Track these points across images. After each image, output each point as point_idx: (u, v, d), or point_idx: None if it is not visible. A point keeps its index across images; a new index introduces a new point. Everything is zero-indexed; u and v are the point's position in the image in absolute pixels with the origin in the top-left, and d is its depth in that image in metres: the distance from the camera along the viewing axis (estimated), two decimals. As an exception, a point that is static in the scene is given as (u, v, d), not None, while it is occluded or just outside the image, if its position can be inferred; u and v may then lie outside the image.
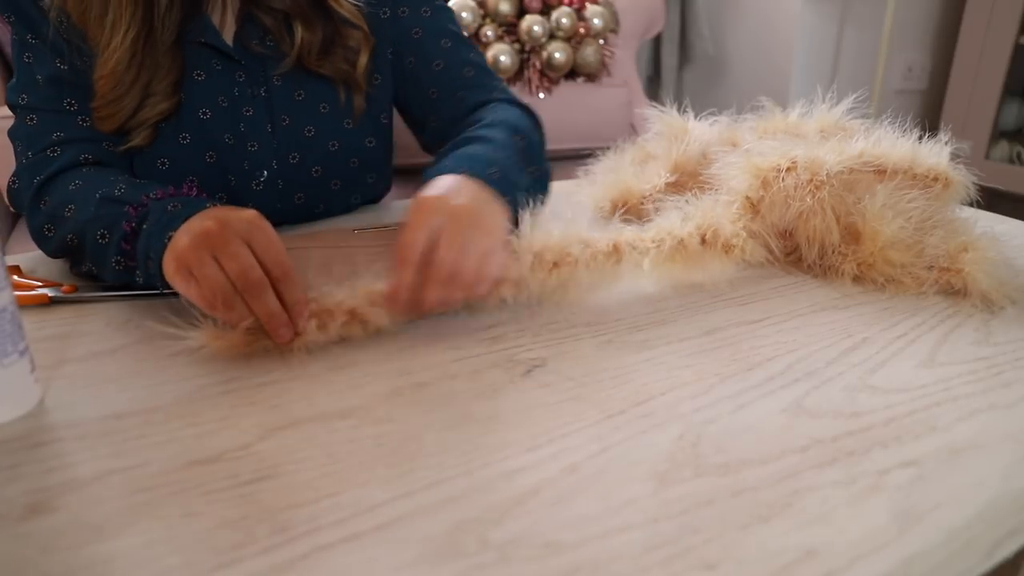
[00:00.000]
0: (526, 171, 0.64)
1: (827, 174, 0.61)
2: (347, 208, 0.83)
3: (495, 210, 0.54)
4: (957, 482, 0.35)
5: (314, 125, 0.74)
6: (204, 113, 0.68)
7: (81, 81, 0.64)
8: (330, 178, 0.77)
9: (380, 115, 0.79)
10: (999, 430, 0.40)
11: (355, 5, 0.72)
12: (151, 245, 0.52)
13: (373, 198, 0.87)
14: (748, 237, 0.62)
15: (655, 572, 0.30)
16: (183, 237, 0.48)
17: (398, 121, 0.83)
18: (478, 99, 0.75)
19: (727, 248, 0.60)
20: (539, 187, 0.68)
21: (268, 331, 0.47)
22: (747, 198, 0.65)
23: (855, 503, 0.34)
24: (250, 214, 0.48)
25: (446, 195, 0.51)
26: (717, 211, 0.62)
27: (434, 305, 0.49)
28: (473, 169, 0.56)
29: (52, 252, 0.63)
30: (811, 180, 0.62)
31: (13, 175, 0.65)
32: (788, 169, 0.63)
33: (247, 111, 0.70)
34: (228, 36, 0.70)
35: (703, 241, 0.60)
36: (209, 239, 0.46)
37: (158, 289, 0.53)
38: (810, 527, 0.32)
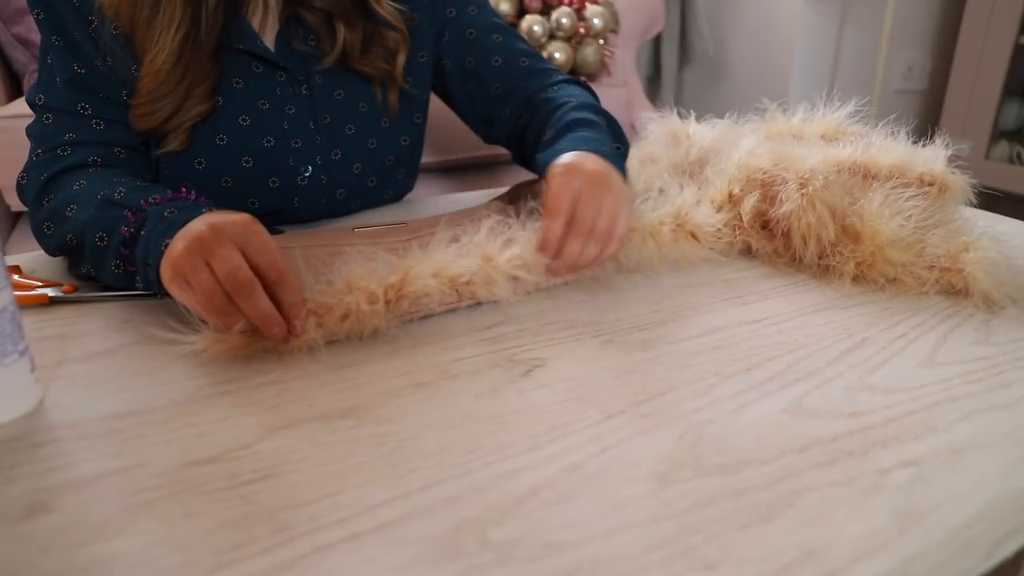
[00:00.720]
0: (613, 146, 0.69)
1: (811, 171, 0.63)
2: (379, 203, 0.86)
3: (619, 177, 0.60)
4: (957, 482, 0.35)
5: (354, 123, 0.76)
6: (243, 120, 0.70)
7: (100, 85, 0.65)
8: (368, 175, 0.80)
9: (414, 115, 0.82)
10: (999, 430, 0.40)
11: (394, 7, 0.75)
12: (149, 251, 0.52)
13: (400, 194, 0.89)
14: (723, 227, 0.66)
15: (655, 572, 0.30)
16: (178, 244, 0.48)
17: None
18: (540, 83, 0.79)
19: (696, 235, 0.64)
20: (624, 160, 0.73)
21: (261, 330, 0.47)
22: (728, 191, 0.68)
23: (855, 503, 0.34)
24: (244, 218, 0.48)
25: (581, 163, 0.57)
26: (687, 199, 0.66)
27: (576, 257, 0.55)
28: (589, 147, 0.62)
29: (52, 250, 0.63)
30: (798, 178, 0.63)
31: (23, 171, 0.65)
32: (771, 169, 0.66)
33: (289, 109, 0.72)
34: (269, 37, 0.71)
35: (677, 227, 0.63)
36: (202, 245, 0.47)
37: (159, 294, 0.53)
38: (810, 527, 0.32)
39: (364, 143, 0.78)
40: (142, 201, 0.55)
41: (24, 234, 1.34)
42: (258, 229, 0.48)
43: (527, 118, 0.78)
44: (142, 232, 0.53)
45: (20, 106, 1.23)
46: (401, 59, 0.76)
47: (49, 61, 0.65)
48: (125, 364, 0.47)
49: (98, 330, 0.52)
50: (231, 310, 0.46)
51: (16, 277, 0.59)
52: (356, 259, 0.52)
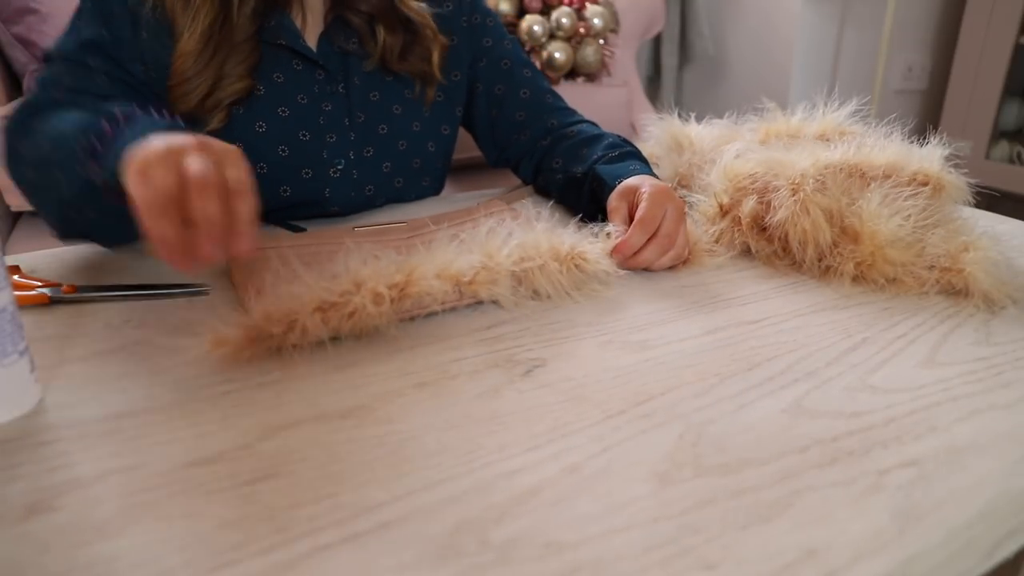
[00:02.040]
0: None
1: (802, 176, 0.63)
2: (400, 202, 0.89)
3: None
4: (957, 482, 0.35)
5: (387, 124, 0.81)
6: (283, 111, 0.74)
7: (121, 56, 0.68)
8: (396, 175, 0.84)
9: (442, 126, 0.87)
10: (999, 430, 0.40)
11: (421, 7, 0.80)
12: (128, 141, 0.49)
13: (422, 198, 0.92)
14: (718, 239, 0.68)
15: (655, 572, 0.30)
16: (159, 140, 0.45)
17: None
18: (563, 120, 0.87)
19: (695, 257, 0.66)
20: None
21: (199, 241, 0.44)
22: (718, 203, 0.69)
23: (855, 503, 0.34)
24: (230, 146, 0.47)
25: (669, 189, 0.65)
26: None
27: (648, 263, 0.63)
28: (652, 174, 0.72)
29: (9, 158, 0.63)
30: (789, 184, 0.63)
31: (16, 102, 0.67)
32: (761, 175, 0.66)
33: (326, 106, 0.76)
34: (311, 36, 0.76)
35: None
36: (180, 148, 0.44)
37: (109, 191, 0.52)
38: (810, 527, 0.32)
39: (395, 143, 0.82)
40: (116, 111, 0.55)
41: (24, 234, 1.34)
42: (239, 159, 0.46)
43: (550, 142, 0.85)
44: (125, 129, 0.53)
45: (20, 106, 1.23)
46: (436, 57, 0.81)
47: (79, 22, 0.68)
48: (125, 364, 0.47)
49: (98, 330, 0.52)
50: (170, 215, 0.43)
51: (16, 277, 0.59)
52: (359, 256, 0.52)
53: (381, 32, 0.77)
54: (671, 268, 0.64)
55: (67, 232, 0.64)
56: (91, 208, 0.58)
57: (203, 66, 0.68)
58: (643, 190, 0.64)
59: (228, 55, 0.70)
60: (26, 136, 0.62)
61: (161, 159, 0.44)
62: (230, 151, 0.47)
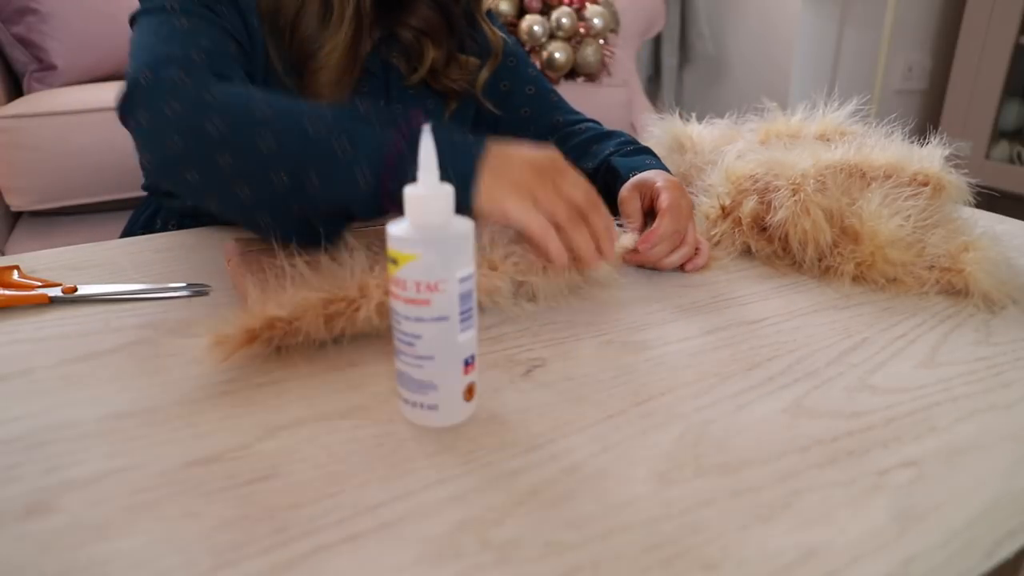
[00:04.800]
0: None
1: (802, 176, 0.63)
2: None
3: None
4: (957, 482, 0.35)
5: None
6: None
7: (230, 26, 0.64)
8: None
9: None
10: (999, 430, 0.40)
11: (492, 27, 0.83)
12: (457, 161, 0.48)
13: None
14: (719, 240, 0.68)
15: (655, 572, 0.30)
16: (523, 166, 0.50)
17: None
18: (568, 118, 0.86)
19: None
20: None
21: (581, 260, 0.52)
22: (720, 205, 0.69)
23: (855, 503, 0.34)
24: (553, 154, 0.51)
25: (682, 187, 0.65)
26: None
27: (658, 258, 0.63)
28: (667, 170, 0.71)
29: (182, 150, 0.51)
30: (789, 184, 0.63)
31: (133, 73, 0.54)
32: (762, 176, 0.66)
33: None
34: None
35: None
36: (546, 171, 0.50)
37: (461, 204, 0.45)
38: (810, 527, 0.32)
39: None
40: (400, 121, 0.51)
41: (24, 234, 1.34)
42: (566, 164, 0.52)
43: (557, 139, 0.85)
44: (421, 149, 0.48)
45: (20, 106, 1.23)
46: (484, 75, 0.82)
47: None
48: (125, 364, 0.47)
49: (98, 330, 0.52)
50: (559, 234, 0.50)
51: (16, 277, 0.59)
52: (363, 258, 0.52)
53: (429, 48, 0.77)
54: (663, 263, 0.64)
55: (251, 224, 0.57)
56: (305, 216, 0.53)
57: (328, 93, 0.69)
58: (659, 184, 0.64)
59: (354, 85, 0.71)
60: (218, 113, 0.51)
61: (542, 187, 0.49)
62: (561, 163, 0.51)
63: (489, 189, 0.49)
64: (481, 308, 0.56)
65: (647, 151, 0.78)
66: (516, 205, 0.49)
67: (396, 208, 0.48)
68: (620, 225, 0.64)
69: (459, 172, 0.48)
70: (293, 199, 0.51)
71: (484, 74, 0.82)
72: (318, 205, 0.52)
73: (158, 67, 0.54)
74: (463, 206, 0.46)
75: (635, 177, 0.68)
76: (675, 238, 0.62)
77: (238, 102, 0.51)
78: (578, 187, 0.51)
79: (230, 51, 0.62)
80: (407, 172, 0.48)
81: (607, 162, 0.75)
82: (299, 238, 0.54)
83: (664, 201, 0.62)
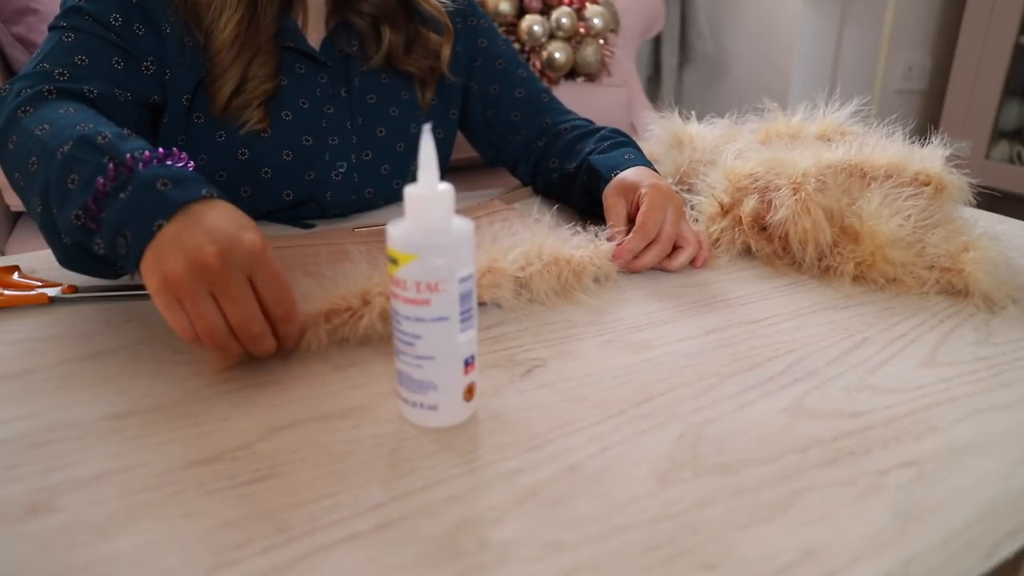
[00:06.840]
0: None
1: (803, 175, 0.63)
2: (399, 203, 0.90)
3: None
4: (957, 482, 0.35)
5: (384, 126, 0.80)
6: (287, 115, 0.73)
7: (127, 44, 0.64)
8: (394, 177, 0.84)
9: (436, 129, 0.86)
10: (999, 430, 0.40)
11: (438, 3, 0.81)
12: (129, 223, 0.45)
13: None
14: (719, 237, 0.68)
15: (655, 572, 0.30)
16: (177, 261, 0.42)
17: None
18: (557, 118, 0.87)
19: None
20: None
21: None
22: (719, 202, 0.69)
23: (855, 503, 0.34)
24: (252, 244, 0.43)
25: (668, 188, 0.65)
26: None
27: (648, 264, 0.63)
28: (649, 166, 0.71)
29: (6, 167, 0.56)
30: (790, 183, 0.63)
31: (10, 79, 0.60)
32: (762, 175, 0.66)
33: (328, 109, 0.76)
34: (313, 39, 0.75)
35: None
36: (209, 275, 0.42)
37: (116, 264, 0.49)
38: (810, 527, 0.32)
39: (393, 146, 0.82)
40: (128, 156, 0.48)
41: (24, 234, 1.34)
42: (267, 257, 0.44)
43: (545, 142, 0.85)
44: (121, 194, 0.46)
45: (20, 106, 1.23)
46: (446, 52, 0.81)
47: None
48: (125, 364, 0.47)
49: (98, 330, 0.52)
50: (231, 346, 0.44)
51: (16, 277, 0.59)
52: (364, 262, 0.52)
53: (386, 32, 0.77)
54: (671, 267, 0.64)
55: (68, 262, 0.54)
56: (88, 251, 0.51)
57: (230, 63, 0.68)
58: (642, 191, 0.64)
59: (255, 54, 0.69)
60: (19, 132, 0.54)
61: (192, 294, 0.42)
62: (256, 259, 0.43)
63: (149, 275, 0.44)
64: (481, 304, 0.56)
65: (626, 143, 0.77)
66: (162, 304, 0.43)
67: (122, 256, 0.46)
68: (607, 237, 0.63)
69: (126, 234, 0.45)
70: (53, 225, 0.51)
71: (446, 51, 0.81)
72: (72, 235, 0.49)
73: (16, 81, 0.59)
74: (130, 266, 0.45)
75: (617, 178, 0.67)
76: (665, 246, 0.62)
77: (37, 124, 0.53)
78: (270, 289, 0.44)
79: (106, 66, 0.63)
80: (109, 215, 0.46)
81: (587, 161, 0.75)
82: (90, 265, 0.52)
83: (640, 216, 0.62)
